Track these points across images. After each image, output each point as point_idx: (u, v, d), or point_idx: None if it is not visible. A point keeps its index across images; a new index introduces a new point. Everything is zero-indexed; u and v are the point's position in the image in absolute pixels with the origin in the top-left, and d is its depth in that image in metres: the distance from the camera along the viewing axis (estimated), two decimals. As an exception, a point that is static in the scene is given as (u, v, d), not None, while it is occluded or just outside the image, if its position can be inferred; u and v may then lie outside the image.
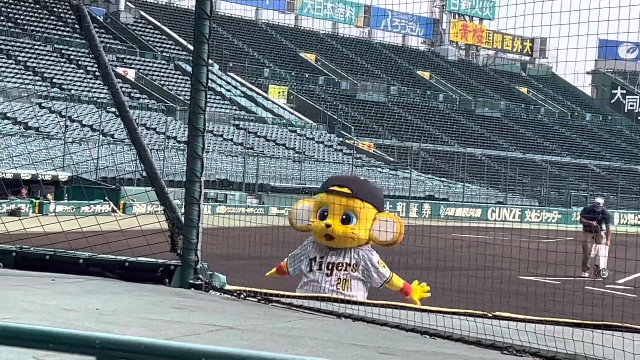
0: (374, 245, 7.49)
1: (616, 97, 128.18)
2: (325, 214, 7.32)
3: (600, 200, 25.67)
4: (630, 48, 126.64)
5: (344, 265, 7.27)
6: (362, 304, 6.50)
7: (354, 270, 7.27)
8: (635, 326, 5.88)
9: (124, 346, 2.75)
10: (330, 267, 7.28)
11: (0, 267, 8.26)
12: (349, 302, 6.60)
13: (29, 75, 76.13)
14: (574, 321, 6.00)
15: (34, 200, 45.55)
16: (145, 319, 5.80)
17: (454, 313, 6.15)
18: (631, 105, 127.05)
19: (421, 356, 5.25)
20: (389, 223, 7.26)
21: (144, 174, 8.16)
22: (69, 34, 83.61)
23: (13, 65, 76.64)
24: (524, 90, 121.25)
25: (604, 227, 24.15)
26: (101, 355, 2.73)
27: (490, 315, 6.18)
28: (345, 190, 7.32)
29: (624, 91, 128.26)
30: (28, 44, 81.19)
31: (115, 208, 43.89)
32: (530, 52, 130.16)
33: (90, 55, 7.76)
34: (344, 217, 7.26)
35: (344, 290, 7.20)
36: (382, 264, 7.39)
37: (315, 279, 7.33)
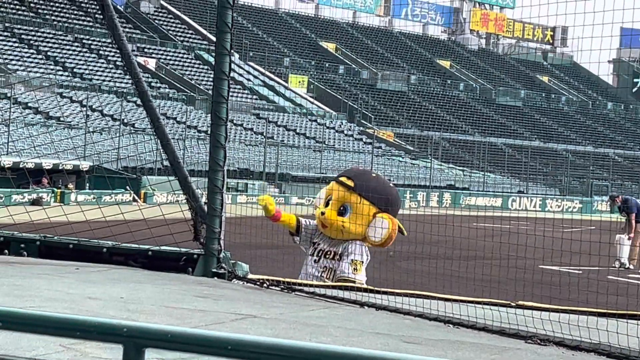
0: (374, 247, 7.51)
1: (638, 86, 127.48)
2: (329, 202, 7.43)
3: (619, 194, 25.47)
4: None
5: (332, 254, 7.31)
6: (385, 292, 6.49)
7: (338, 260, 7.30)
8: (659, 316, 5.85)
9: (150, 334, 2.76)
10: (319, 254, 7.36)
11: (24, 255, 8.30)
12: (372, 290, 6.60)
13: (50, 65, 76.34)
14: (598, 310, 5.98)
15: (55, 189, 45.72)
16: (169, 307, 5.82)
17: (477, 302, 6.14)
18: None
19: (445, 345, 5.25)
20: (384, 223, 7.25)
21: (166, 163, 8.18)
22: (90, 23, 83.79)
23: (34, 55, 76.92)
24: (544, 79, 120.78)
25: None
26: (128, 343, 2.74)
27: (513, 304, 6.17)
28: (350, 183, 7.39)
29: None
30: (49, 33, 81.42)
31: (136, 197, 44.02)
32: (551, 41, 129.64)
33: (113, 45, 7.78)
34: (341, 208, 7.34)
35: (327, 279, 7.23)
36: (359, 266, 7.32)
37: (307, 262, 7.44)
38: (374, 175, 7.89)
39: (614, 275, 17.42)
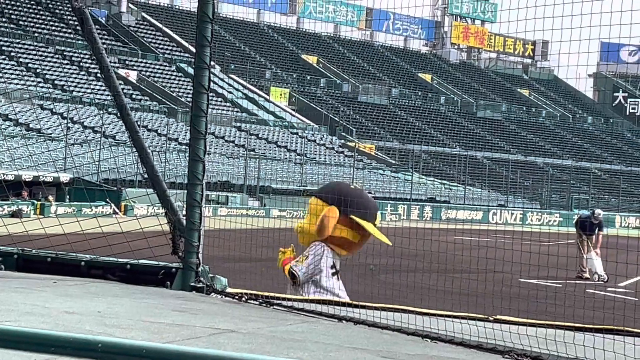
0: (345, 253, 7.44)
1: (618, 100, 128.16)
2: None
3: (600, 211, 25.68)
4: (632, 51, 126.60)
5: (302, 258, 7.26)
6: (363, 306, 6.49)
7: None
8: (636, 330, 5.87)
9: (125, 350, 2.76)
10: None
11: (1, 269, 8.26)
12: (350, 304, 6.60)
13: (30, 76, 76.15)
14: (575, 325, 6.00)
15: (35, 201, 45.55)
16: (146, 322, 5.80)
17: (455, 316, 6.15)
18: (633, 108, 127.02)
19: (422, 360, 5.25)
20: (323, 213, 7.19)
21: (146, 176, 8.17)
22: (71, 35, 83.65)
23: (15, 67, 76.68)
24: (525, 92, 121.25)
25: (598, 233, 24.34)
26: (103, 359, 2.73)
27: (491, 318, 6.18)
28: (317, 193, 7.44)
29: (626, 94, 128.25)
30: (30, 45, 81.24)
31: (116, 210, 43.90)
32: (532, 55, 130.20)
33: (93, 58, 7.77)
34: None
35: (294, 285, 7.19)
36: (302, 259, 7.23)
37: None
38: (347, 184, 7.89)
39: (592, 289, 17.49)
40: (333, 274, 7.19)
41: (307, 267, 7.09)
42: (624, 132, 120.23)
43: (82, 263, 8.03)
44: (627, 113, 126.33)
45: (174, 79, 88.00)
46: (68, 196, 48.29)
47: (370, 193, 8.08)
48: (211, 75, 7.51)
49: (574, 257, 21.45)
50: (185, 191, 7.64)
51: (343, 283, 7.33)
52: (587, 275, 23.41)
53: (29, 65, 78.02)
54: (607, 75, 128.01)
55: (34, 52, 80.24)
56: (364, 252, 7.79)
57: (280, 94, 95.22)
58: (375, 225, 7.29)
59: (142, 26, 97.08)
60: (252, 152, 71.24)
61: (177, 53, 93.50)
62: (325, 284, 7.14)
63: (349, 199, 7.14)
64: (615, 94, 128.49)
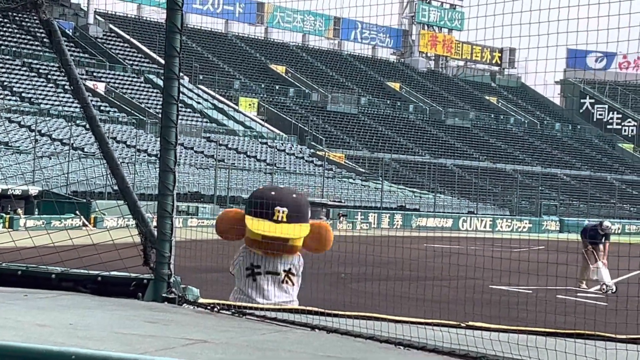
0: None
1: (585, 107, 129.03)
2: None
3: (608, 224, 25.58)
4: (598, 57, 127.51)
5: None
6: (336, 315, 6.50)
7: None
8: (607, 334, 5.92)
9: (99, 361, 2.75)
10: None
11: (-29, 283, 8.21)
12: (322, 313, 6.61)
13: (-3, 89, 75.76)
14: (547, 330, 6.03)
15: (4, 215, 45.27)
16: (119, 333, 5.78)
17: (427, 324, 6.17)
18: (600, 114, 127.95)
19: (395, 367, 5.26)
20: None
21: (116, 187, 8.14)
22: (38, 47, 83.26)
23: (-18, 80, 76.26)
24: (493, 100, 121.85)
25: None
26: (77, 370, 2.73)
27: (463, 325, 6.20)
28: None
29: (593, 100, 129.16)
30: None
31: (86, 222, 43.70)
32: (499, 63, 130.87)
33: (61, 70, 7.75)
34: None
35: None
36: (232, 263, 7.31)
37: None
38: (266, 188, 7.91)
39: (563, 295, 17.59)
40: (248, 275, 7.18)
41: (232, 268, 7.25)
42: (592, 138, 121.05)
43: (53, 276, 7.98)
44: (594, 119, 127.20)
45: (142, 90, 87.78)
46: (37, 209, 48.02)
47: (296, 194, 7.72)
48: (180, 86, 7.50)
49: (544, 263, 21.51)
50: (156, 202, 7.61)
51: (293, 287, 7.24)
52: (584, 286, 23.23)
53: (-4, 78, 77.61)
54: (574, 81, 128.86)
55: (1, 65, 79.79)
56: (335, 261, 7.79)
57: (249, 104, 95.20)
58: (276, 220, 7.12)
59: (110, 38, 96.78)
60: (221, 163, 71.14)
61: (145, 64, 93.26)
62: (237, 284, 7.20)
63: (251, 200, 7.20)
64: (582, 101, 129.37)
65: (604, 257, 23.87)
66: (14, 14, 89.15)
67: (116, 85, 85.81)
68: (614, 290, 22.24)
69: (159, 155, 7.64)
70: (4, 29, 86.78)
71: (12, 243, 8.35)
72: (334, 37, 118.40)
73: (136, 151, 66.86)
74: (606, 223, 25.31)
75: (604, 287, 22.52)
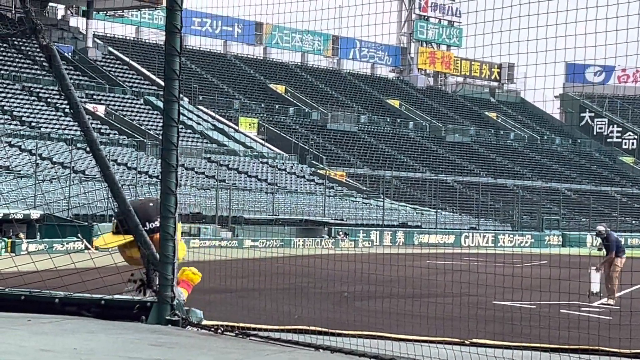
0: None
1: (585, 120, 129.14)
2: None
3: (601, 228, 25.67)
4: (597, 71, 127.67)
5: None
6: (340, 334, 6.50)
7: None
8: (611, 349, 5.91)
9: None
10: None
11: (-25, 309, 8.20)
12: (327, 333, 6.60)
13: (-2, 114, 75.85)
14: (551, 346, 6.02)
15: (5, 239, 45.27)
16: (123, 357, 5.78)
17: (431, 341, 6.16)
18: (600, 128, 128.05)
19: (400, 386, 5.25)
20: None
21: (117, 211, 8.14)
22: (38, 71, 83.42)
23: (-18, 105, 76.36)
24: (493, 115, 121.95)
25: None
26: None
27: (467, 342, 6.20)
28: None
29: (592, 114, 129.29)
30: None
31: (88, 245, 43.67)
32: (498, 78, 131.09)
33: (61, 94, 7.77)
34: None
35: None
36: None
37: None
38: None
39: (567, 309, 17.55)
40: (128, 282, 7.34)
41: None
42: (592, 152, 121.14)
43: (56, 300, 7.98)
44: (595, 133, 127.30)
45: (142, 112, 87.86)
46: (39, 233, 48.02)
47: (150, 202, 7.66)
48: (180, 107, 7.51)
49: (547, 278, 21.50)
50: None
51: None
52: (610, 301, 23.19)
53: (-4, 102, 77.71)
54: (574, 96, 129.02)
55: (1, 89, 79.92)
56: (338, 279, 7.80)
57: (249, 124, 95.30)
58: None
59: (109, 60, 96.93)
60: (222, 183, 71.16)
61: (145, 86, 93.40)
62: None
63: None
64: (582, 115, 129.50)
65: (600, 264, 23.99)
66: (14, 39, 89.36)
67: (116, 107, 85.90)
68: (595, 294, 22.41)
69: (160, 177, 7.64)
70: (4, 53, 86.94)
71: (14, 268, 8.36)
72: (333, 56, 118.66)
73: (137, 173, 66.90)
74: (599, 228, 25.41)
75: (588, 292, 22.55)
